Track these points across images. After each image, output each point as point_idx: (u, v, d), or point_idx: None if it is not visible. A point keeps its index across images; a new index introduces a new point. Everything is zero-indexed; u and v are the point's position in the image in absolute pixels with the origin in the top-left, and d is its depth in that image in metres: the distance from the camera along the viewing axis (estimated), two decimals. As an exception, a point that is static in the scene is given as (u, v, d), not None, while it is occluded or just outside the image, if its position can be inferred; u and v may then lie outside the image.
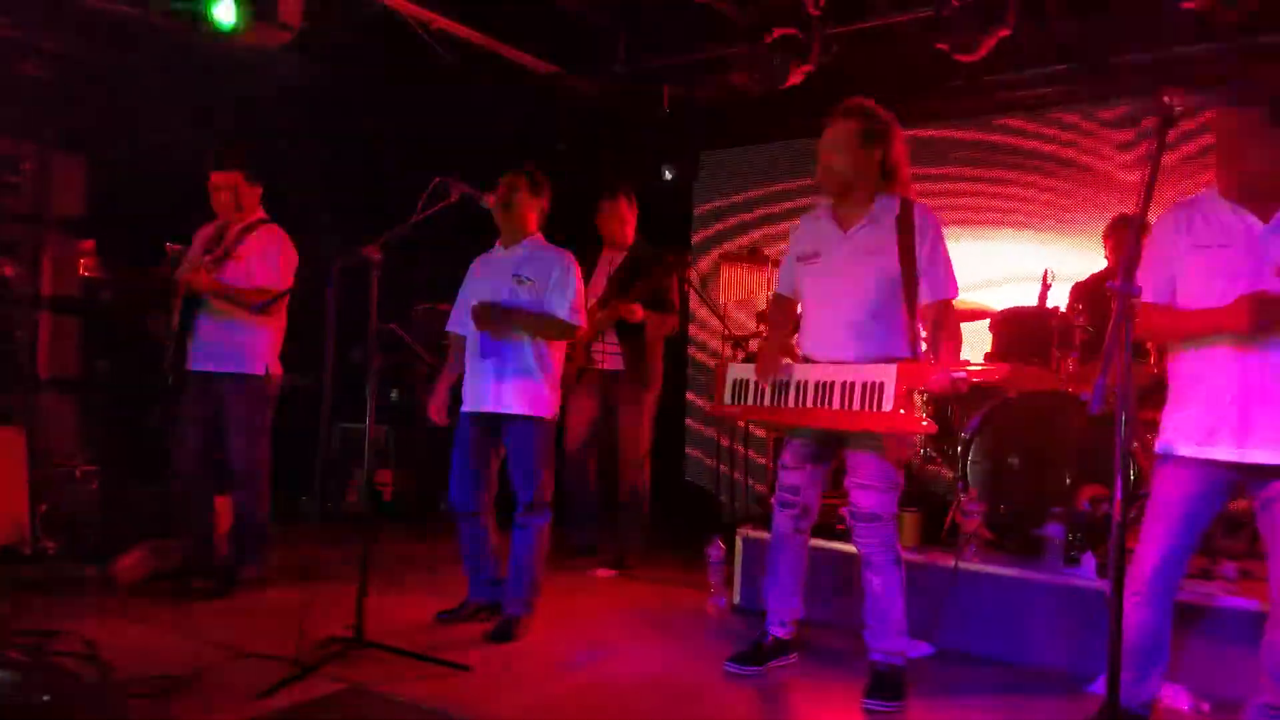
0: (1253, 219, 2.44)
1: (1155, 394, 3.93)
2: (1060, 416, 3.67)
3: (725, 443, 5.46)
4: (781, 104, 5.02)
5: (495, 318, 3.41)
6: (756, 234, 6.10)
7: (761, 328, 4.91)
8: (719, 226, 6.31)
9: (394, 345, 5.08)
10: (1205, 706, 2.88)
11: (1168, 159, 4.65)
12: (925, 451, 4.30)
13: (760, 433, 5.51)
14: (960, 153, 5.45)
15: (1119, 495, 2.06)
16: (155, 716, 2.57)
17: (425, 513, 5.61)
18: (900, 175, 2.97)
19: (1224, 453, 2.41)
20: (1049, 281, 4.28)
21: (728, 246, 6.15)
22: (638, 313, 4.44)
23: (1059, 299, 4.35)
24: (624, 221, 4.65)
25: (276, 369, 3.97)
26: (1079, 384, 3.92)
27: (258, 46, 4.02)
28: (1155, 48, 4.63)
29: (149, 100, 4.80)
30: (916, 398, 2.73)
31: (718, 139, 6.26)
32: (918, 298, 2.87)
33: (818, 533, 3.68)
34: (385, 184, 4.70)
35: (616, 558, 4.61)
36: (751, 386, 3.08)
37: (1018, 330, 4.13)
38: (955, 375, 2.66)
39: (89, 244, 5.01)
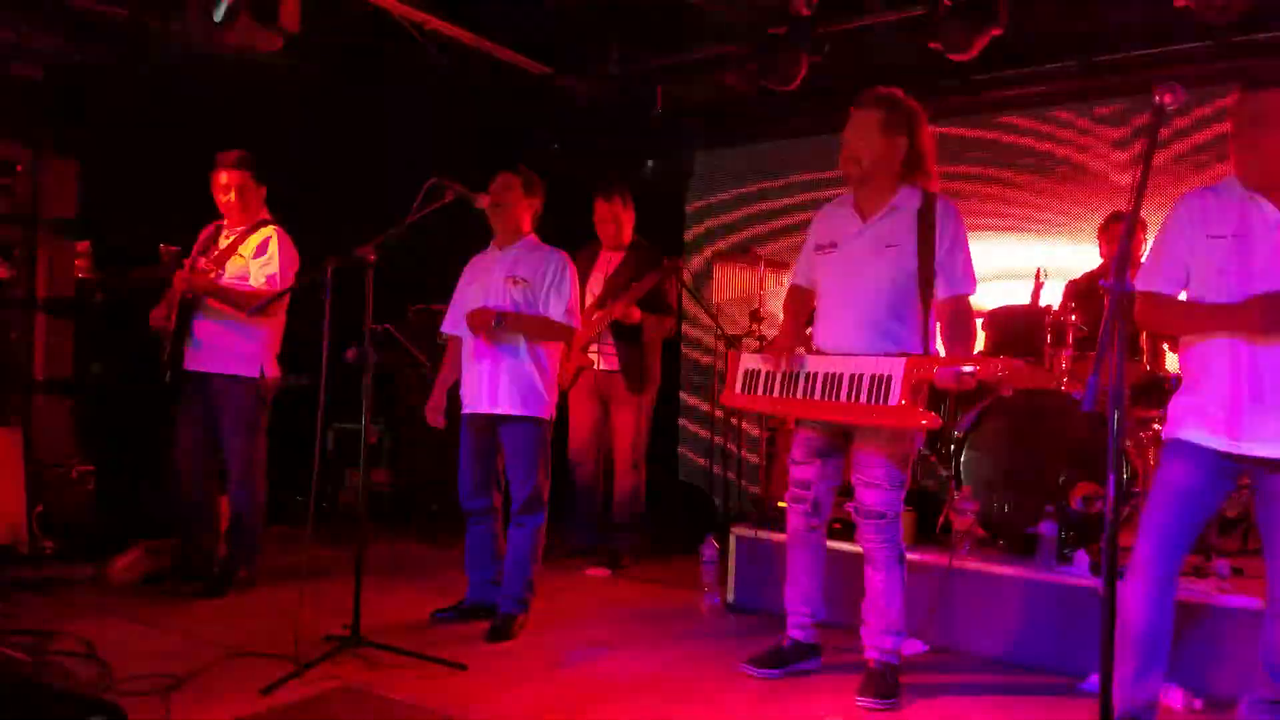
0: (1270, 208, 2.41)
1: (1148, 392, 3.97)
2: (1053, 414, 3.70)
3: (719, 442, 5.47)
4: (773, 104, 5.04)
5: (490, 323, 3.41)
6: (748, 233, 6.11)
7: (754, 326, 4.92)
8: (711, 225, 6.33)
9: (389, 346, 5.08)
10: (1198, 704, 2.90)
11: (1162, 156, 4.68)
12: (920, 450, 4.31)
13: (755, 431, 5.52)
14: (954, 151, 5.46)
15: (1111, 493, 2.07)
16: (154, 715, 2.58)
17: (421, 513, 5.61)
18: (925, 166, 2.92)
19: (1230, 444, 2.40)
20: (1042, 280, 4.30)
21: (720, 245, 6.17)
22: (635, 314, 4.44)
23: (1053, 297, 4.37)
24: (621, 222, 4.65)
25: (273, 370, 3.97)
26: (1072, 382, 3.95)
27: (250, 49, 4.02)
28: (1148, 45, 4.66)
29: (142, 101, 4.79)
30: (923, 392, 2.70)
31: (710, 138, 6.28)
32: (934, 292, 2.83)
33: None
34: (379, 185, 4.69)
35: (612, 558, 4.62)
36: (762, 377, 3.05)
37: (1011, 328, 4.16)
38: (962, 371, 2.60)
39: (83, 245, 5.01)
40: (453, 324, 3.68)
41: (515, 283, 3.50)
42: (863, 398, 2.75)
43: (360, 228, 3.29)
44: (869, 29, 4.69)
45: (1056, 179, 5.19)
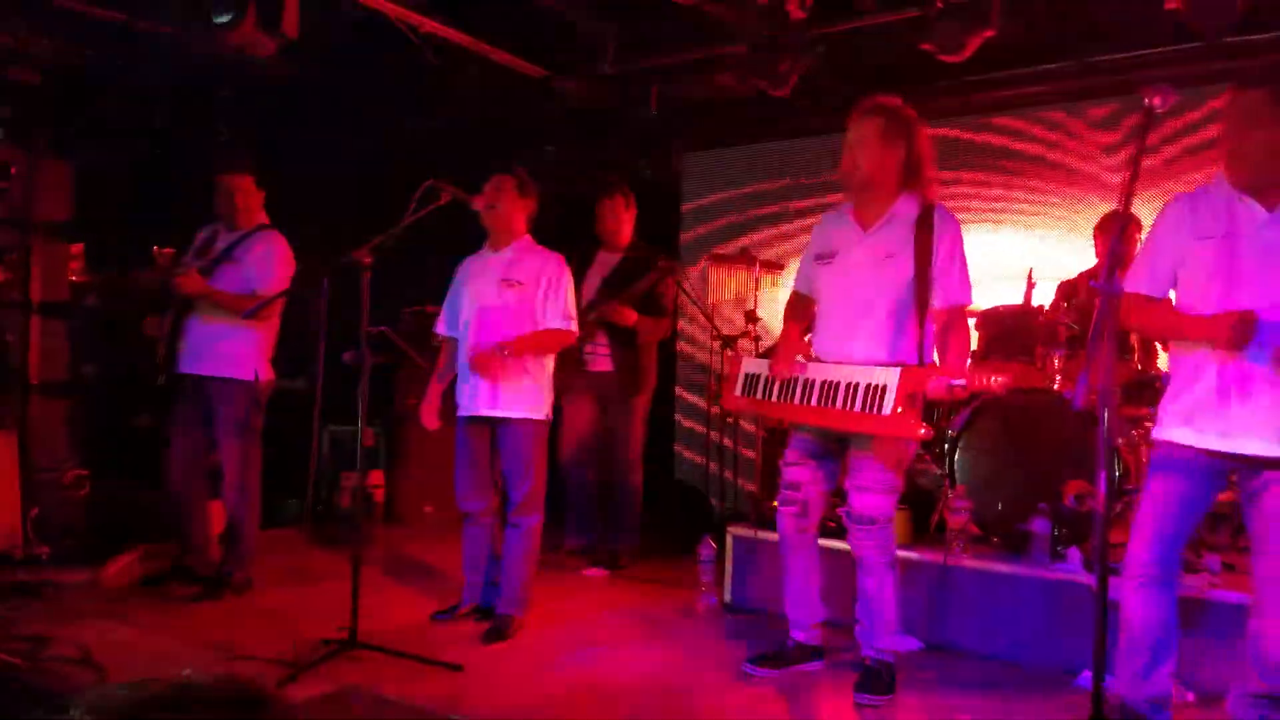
0: (1257, 208, 2.43)
1: (1139, 390, 4.00)
2: (1046, 413, 3.72)
3: (716, 438, 5.49)
4: (768, 105, 5.05)
5: (496, 361, 3.39)
6: (743, 234, 6.13)
7: (750, 327, 4.94)
8: (706, 227, 6.34)
9: (386, 348, 5.09)
10: (1190, 697, 2.92)
11: (1153, 159, 4.70)
12: (915, 450, 4.33)
13: (751, 429, 5.54)
14: (946, 152, 5.48)
15: (1103, 490, 2.09)
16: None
17: (417, 515, 5.62)
18: (924, 175, 2.93)
19: (1218, 442, 2.43)
20: (1033, 281, 4.32)
21: (715, 247, 6.18)
22: (629, 316, 4.45)
23: (1045, 297, 4.39)
24: (621, 222, 4.66)
25: (267, 373, 3.97)
26: (1064, 381, 3.97)
27: (247, 52, 4.03)
28: (1140, 47, 4.68)
29: (137, 105, 4.80)
30: (918, 402, 2.72)
31: (706, 140, 6.29)
32: (930, 302, 2.85)
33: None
34: (375, 187, 4.70)
35: (609, 558, 4.62)
36: (762, 381, 3.09)
37: (1003, 328, 4.18)
38: (954, 383, 2.63)
39: (77, 248, 5.00)
40: (447, 325, 3.69)
41: (510, 285, 3.51)
42: (858, 406, 2.78)
43: (356, 230, 3.29)
44: (863, 31, 4.71)
45: (1049, 180, 5.21)
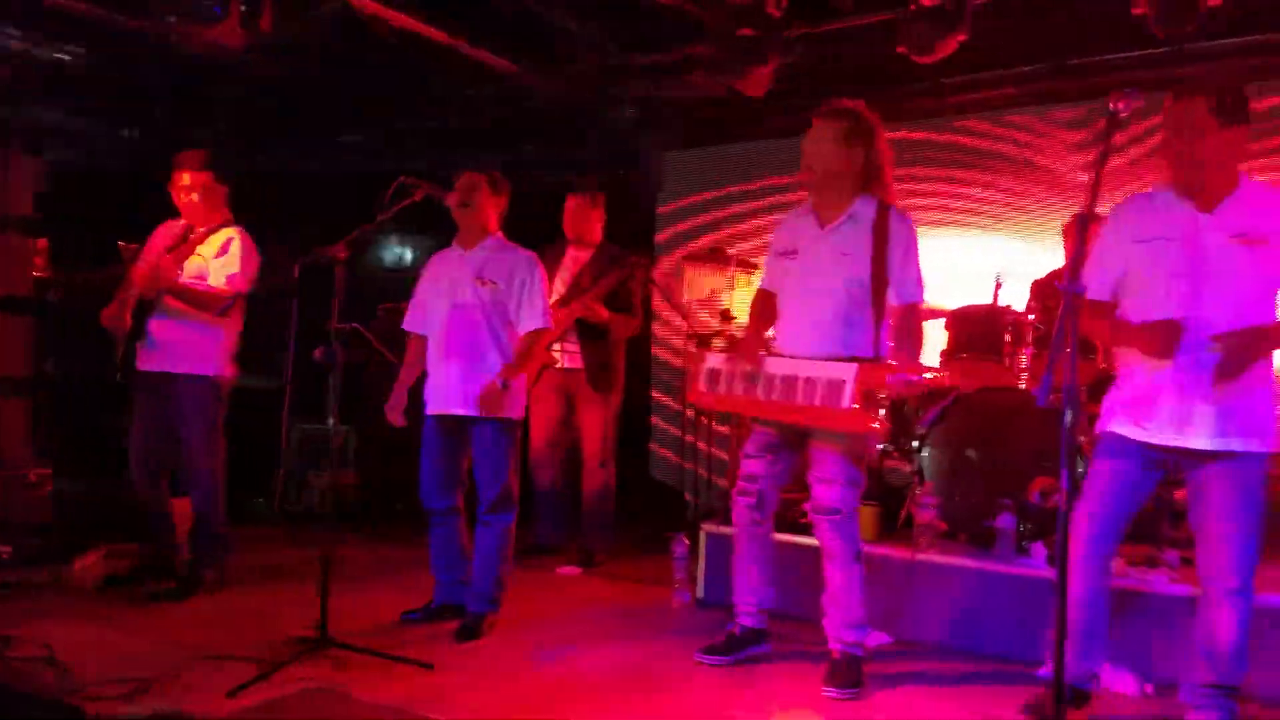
0: (1195, 211, 2.52)
1: (1102, 389, 4.07)
2: (1012, 411, 3.78)
3: (690, 439, 5.51)
4: (745, 105, 5.07)
5: (501, 395, 3.40)
6: (720, 234, 6.15)
7: (724, 326, 4.96)
8: (683, 226, 6.35)
9: (357, 345, 5.06)
10: (1149, 688, 2.99)
11: (1120, 159, 4.78)
12: (884, 447, 4.38)
13: (724, 429, 5.57)
14: (920, 153, 5.54)
15: (1066, 487, 2.14)
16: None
17: (388, 513, 5.59)
18: (882, 177, 3.02)
19: (1157, 436, 2.53)
20: (1000, 281, 4.39)
21: (691, 246, 6.20)
22: (602, 313, 4.46)
23: (1016, 297, 4.45)
24: (590, 220, 4.67)
25: (229, 371, 3.94)
26: (1031, 380, 4.03)
27: (219, 46, 3.99)
28: (1109, 51, 4.76)
29: (106, 99, 4.74)
30: (874, 397, 2.79)
31: (682, 139, 6.30)
32: (886, 300, 2.93)
33: (782, 527, 3.75)
34: (347, 183, 4.68)
35: (582, 556, 4.63)
36: (724, 376, 3.14)
37: (971, 327, 4.23)
38: (909, 379, 2.73)
39: (41, 243, 4.93)
40: (415, 322, 3.67)
41: (483, 284, 3.50)
42: (816, 400, 2.84)
43: (328, 226, 3.28)
44: (838, 32, 4.75)
45: (1019, 181, 5.28)
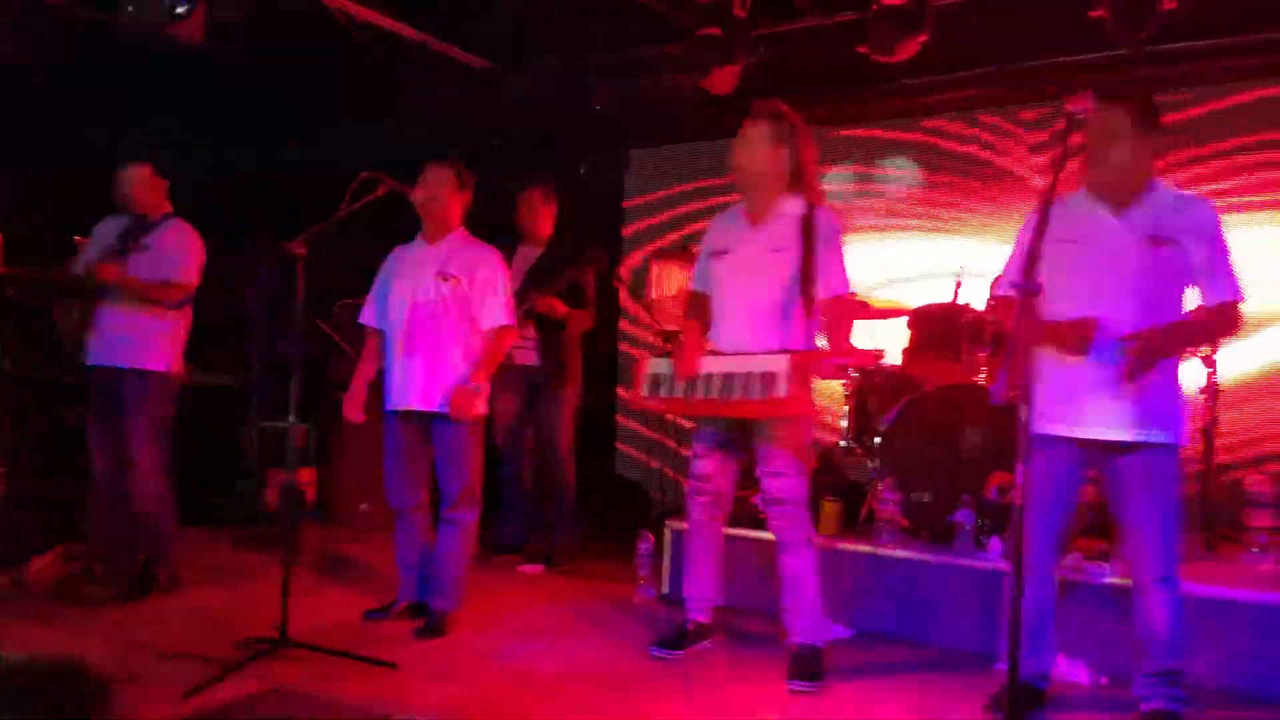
0: (1109, 215, 2.63)
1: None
2: (970, 408, 3.83)
3: (655, 437, 5.53)
4: (711, 103, 5.09)
5: (474, 398, 3.39)
6: (687, 230, 6.16)
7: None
8: (649, 223, 6.36)
9: (318, 342, 5.01)
10: (1104, 680, 3.06)
11: (1075, 162, 4.86)
12: (846, 443, 4.43)
13: (690, 425, 5.59)
14: (884, 153, 5.60)
15: (1021, 481, 2.18)
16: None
17: (350, 512, 5.54)
18: (808, 176, 3.12)
19: (1079, 430, 2.62)
20: (960, 280, 4.45)
21: (659, 243, 6.21)
22: (559, 308, 4.47)
23: (975, 295, 4.51)
24: (540, 216, 4.67)
25: (179, 366, 3.89)
26: (989, 377, 4.09)
27: (176, 40, 3.94)
28: (1069, 53, 4.84)
29: (57, 94, 4.65)
30: (809, 384, 2.93)
31: (649, 136, 6.31)
32: (815, 293, 3.03)
33: (743, 523, 3.79)
34: (311, 178, 4.62)
35: (545, 553, 4.62)
36: (666, 380, 3.21)
37: (932, 325, 4.29)
38: (841, 364, 2.86)
39: (-5, 239, 4.83)
40: (374, 316, 3.65)
41: (446, 279, 3.48)
42: (755, 393, 2.92)
43: (289, 221, 3.25)
44: (804, 32, 4.78)
45: (980, 181, 5.35)
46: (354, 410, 3.59)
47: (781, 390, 2.85)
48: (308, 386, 3.24)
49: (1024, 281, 2.16)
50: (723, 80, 4.74)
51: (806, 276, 3.00)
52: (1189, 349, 2.69)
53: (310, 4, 4.50)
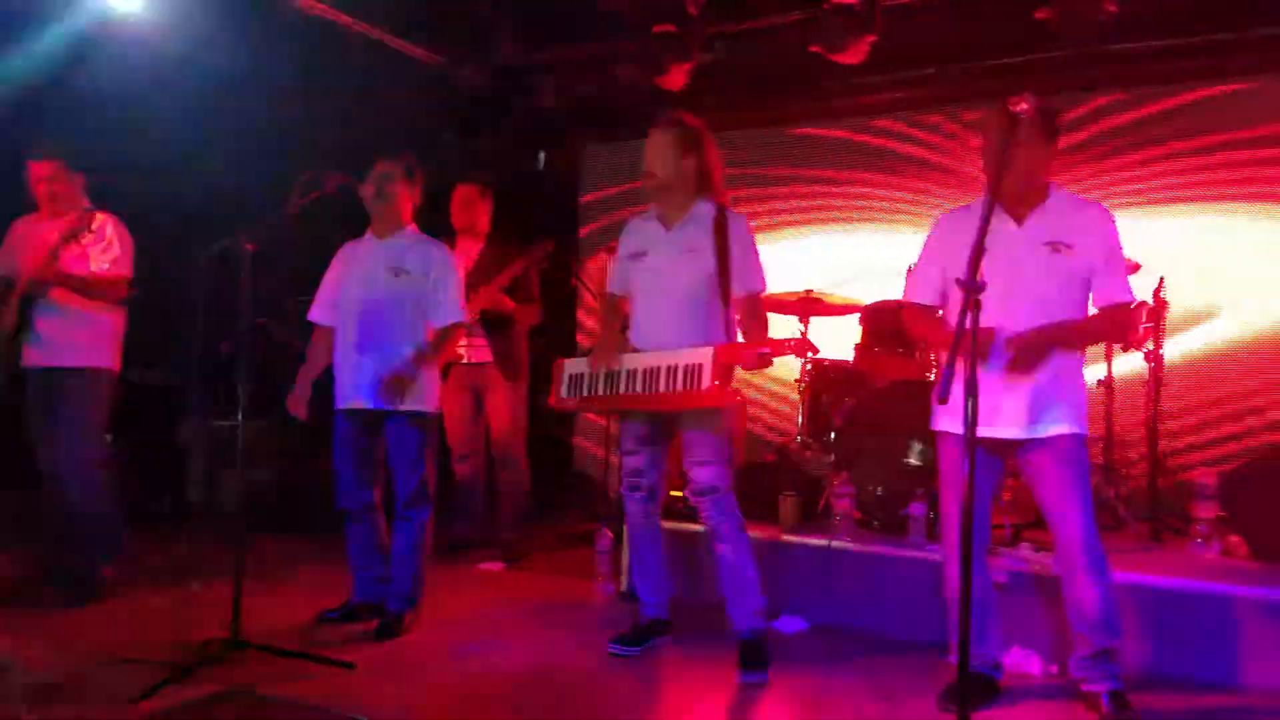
0: (1009, 221, 2.71)
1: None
2: (921, 403, 3.86)
3: (614, 431, 5.52)
4: (665, 100, 5.11)
5: (408, 385, 3.36)
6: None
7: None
8: (604, 219, 6.37)
9: (267, 339, 4.93)
10: (1054, 669, 3.13)
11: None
12: (802, 439, 4.49)
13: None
14: (834, 152, 5.67)
15: (970, 474, 2.22)
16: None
17: (304, 512, 5.47)
18: (714, 181, 3.23)
19: (984, 430, 2.63)
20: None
21: (613, 239, 6.22)
22: (507, 303, 4.46)
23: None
24: (478, 212, 4.66)
25: (116, 364, 3.82)
26: (939, 373, 4.16)
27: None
28: (1015, 54, 4.93)
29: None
30: (731, 374, 3.03)
31: (603, 132, 6.32)
32: (731, 291, 3.12)
33: (669, 516, 3.80)
34: (256, 174, 4.54)
35: (503, 550, 4.62)
36: (586, 379, 3.29)
37: (883, 322, 4.35)
38: (761, 352, 2.95)
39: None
40: (322, 312, 3.61)
41: (398, 275, 3.46)
42: (679, 385, 3.02)
43: (236, 218, 3.20)
44: (756, 30, 4.82)
45: (930, 180, 5.44)
46: (298, 407, 3.55)
47: (706, 381, 2.95)
48: (258, 383, 3.20)
49: (969, 281, 2.20)
50: (676, 77, 4.77)
51: (723, 275, 3.11)
52: (1074, 348, 2.76)
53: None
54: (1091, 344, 3.69)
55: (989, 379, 2.64)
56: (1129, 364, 4.40)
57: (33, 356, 3.70)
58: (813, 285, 4.70)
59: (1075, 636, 2.77)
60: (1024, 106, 2.39)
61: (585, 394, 3.30)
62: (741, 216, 3.24)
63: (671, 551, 3.44)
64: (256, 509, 5.29)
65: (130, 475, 3.91)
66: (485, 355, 4.55)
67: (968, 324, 2.18)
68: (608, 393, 3.22)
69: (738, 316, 3.18)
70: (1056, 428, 2.69)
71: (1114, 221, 2.75)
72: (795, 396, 4.67)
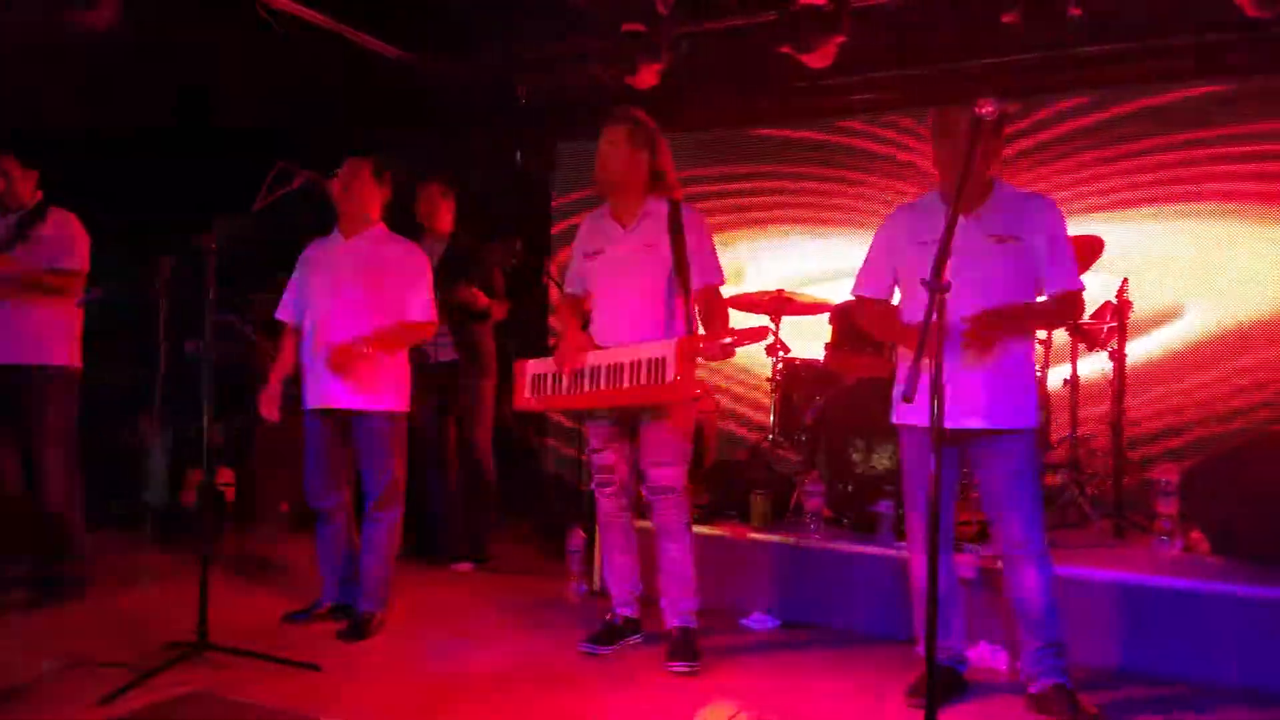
0: (960, 216, 2.69)
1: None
2: (889, 402, 3.92)
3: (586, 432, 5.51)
4: (636, 99, 5.10)
5: (357, 358, 3.34)
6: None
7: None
8: (577, 218, 6.36)
9: (233, 338, 4.87)
10: (1019, 664, 3.15)
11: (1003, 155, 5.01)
12: (773, 437, 4.51)
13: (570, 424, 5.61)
14: (803, 152, 5.70)
15: (935, 471, 2.25)
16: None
17: (270, 513, 5.42)
18: (668, 178, 3.26)
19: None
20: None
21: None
22: (481, 299, 4.45)
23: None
24: (441, 211, 4.64)
25: (79, 361, 3.77)
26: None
27: (78, 27, 3.80)
28: (980, 56, 4.98)
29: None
30: (694, 366, 3.05)
31: (576, 131, 6.30)
32: (690, 284, 3.17)
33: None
34: (222, 171, 4.49)
35: (473, 550, 4.59)
36: (550, 379, 3.30)
37: (852, 322, 4.38)
38: (723, 343, 2.98)
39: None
40: (291, 311, 3.58)
41: (367, 274, 3.43)
42: (643, 379, 3.04)
43: (203, 216, 3.16)
44: (726, 30, 4.83)
45: (899, 180, 5.49)
46: (270, 408, 3.52)
47: (670, 374, 2.97)
48: (224, 384, 3.17)
49: (934, 280, 2.22)
50: (646, 76, 4.78)
51: (680, 269, 3.15)
52: (1025, 332, 2.82)
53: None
54: (1042, 328, 3.77)
55: (946, 371, 2.68)
56: (1094, 364, 4.46)
57: None
58: (784, 285, 4.73)
59: (1020, 634, 2.81)
60: (989, 109, 2.42)
61: (549, 394, 3.30)
62: (696, 211, 3.27)
63: (643, 550, 3.43)
64: (222, 509, 5.30)
65: (95, 475, 3.84)
66: (452, 354, 4.53)
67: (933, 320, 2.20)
68: (571, 391, 3.22)
69: (697, 309, 3.21)
70: (1010, 421, 2.73)
71: (1058, 211, 2.80)
72: (767, 400, 4.69)
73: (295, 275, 3.60)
